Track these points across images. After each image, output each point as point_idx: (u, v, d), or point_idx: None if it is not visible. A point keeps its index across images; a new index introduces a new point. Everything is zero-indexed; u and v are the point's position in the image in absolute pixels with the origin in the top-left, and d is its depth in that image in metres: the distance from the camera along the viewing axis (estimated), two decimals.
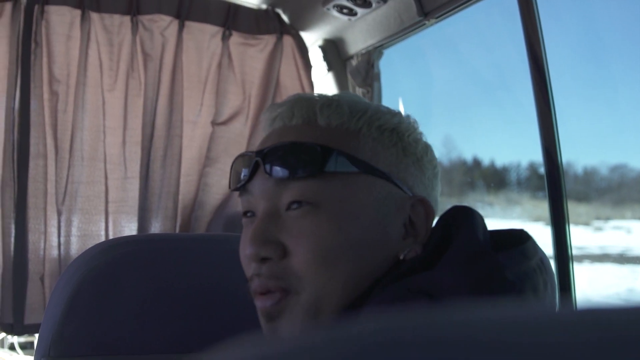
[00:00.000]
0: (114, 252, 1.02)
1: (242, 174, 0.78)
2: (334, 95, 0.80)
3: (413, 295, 0.66)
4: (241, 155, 0.80)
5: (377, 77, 2.43)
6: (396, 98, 2.67)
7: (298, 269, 0.71)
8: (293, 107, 0.78)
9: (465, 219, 0.75)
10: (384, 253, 0.74)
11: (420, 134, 0.81)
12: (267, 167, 0.74)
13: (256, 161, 0.75)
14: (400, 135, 0.78)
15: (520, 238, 0.77)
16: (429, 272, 0.68)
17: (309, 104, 0.77)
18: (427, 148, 0.81)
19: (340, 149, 0.73)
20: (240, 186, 0.78)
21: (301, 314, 0.72)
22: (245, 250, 0.74)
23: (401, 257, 0.74)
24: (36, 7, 2.17)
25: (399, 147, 0.77)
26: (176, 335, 1.03)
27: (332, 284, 0.72)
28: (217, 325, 1.08)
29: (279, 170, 0.73)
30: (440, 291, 0.65)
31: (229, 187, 0.82)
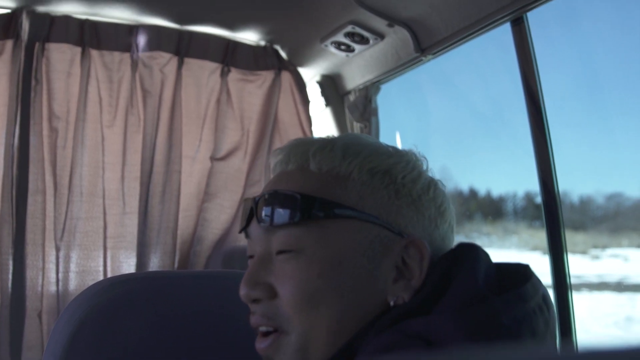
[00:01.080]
0: (114, 290, 1.02)
1: (243, 220, 0.82)
2: (333, 138, 0.82)
3: (410, 340, 0.66)
4: (245, 200, 0.83)
5: (375, 111, 2.45)
6: (394, 132, 2.69)
7: (285, 310, 0.74)
8: (290, 153, 0.81)
9: (466, 259, 0.75)
10: (373, 297, 0.75)
11: (420, 173, 0.80)
12: (257, 214, 0.78)
13: (251, 207, 0.79)
14: (393, 177, 0.78)
15: (523, 276, 0.76)
16: (425, 317, 0.68)
17: (304, 150, 0.80)
18: (430, 186, 0.81)
19: (323, 197, 0.75)
20: (242, 230, 0.82)
21: (291, 355, 0.75)
22: (239, 291, 0.78)
23: (391, 303, 0.74)
24: (37, 44, 2.19)
25: (390, 189, 0.77)
26: None
27: (317, 327, 0.73)
28: None
29: (264, 219, 0.77)
30: (436, 337, 0.65)
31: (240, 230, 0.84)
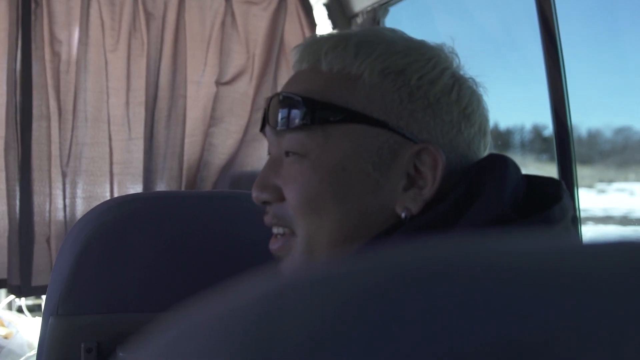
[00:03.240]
0: (121, 209, 1.02)
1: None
2: (348, 34, 0.77)
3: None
4: (266, 99, 0.81)
5: None
6: None
7: (291, 212, 0.74)
8: (303, 52, 0.78)
9: (494, 172, 0.71)
10: (379, 205, 0.72)
11: (442, 72, 0.74)
12: (268, 116, 0.77)
13: (264, 109, 0.78)
14: (407, 78, 0.73)
15: (554, 196, 0.71)
16: (444, 235, 0.63)
17: (317, 48, 0.76)
18: (453, 87, 0.74)
19: (329, 100, 0.73)
20: (260, 131, 0.82)
21: (298, 255, 0.75)
22: (252, 193, 0.79)
23: (402, 215, 0.72)
24: None
25: (403, 91, 0.72)
26: (184, 292, 1.02)
27: (319, 231, 0.73)
28: (225, 279, 1.07)
29: (273, 122, 0.76)
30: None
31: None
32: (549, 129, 1.74)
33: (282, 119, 0.74)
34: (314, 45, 0.77)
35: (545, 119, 1.72)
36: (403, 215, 0.72)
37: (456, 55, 0.78)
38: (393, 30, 0.79)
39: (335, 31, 2.45)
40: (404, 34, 0.79)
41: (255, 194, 0.77)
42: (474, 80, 0.78)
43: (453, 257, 0.23)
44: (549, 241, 0.25)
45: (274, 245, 0.78)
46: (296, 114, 0.73)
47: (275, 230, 0.78)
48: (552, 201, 0.70)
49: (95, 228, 0.99)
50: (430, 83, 0.73)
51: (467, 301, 0.20)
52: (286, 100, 0.75)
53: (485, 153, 0.78)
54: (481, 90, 0.78)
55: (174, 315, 0.26)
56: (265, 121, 0.79)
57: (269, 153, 0.81)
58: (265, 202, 0.77)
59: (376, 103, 0.72)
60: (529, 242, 0.25)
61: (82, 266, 0.97)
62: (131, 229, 1.01)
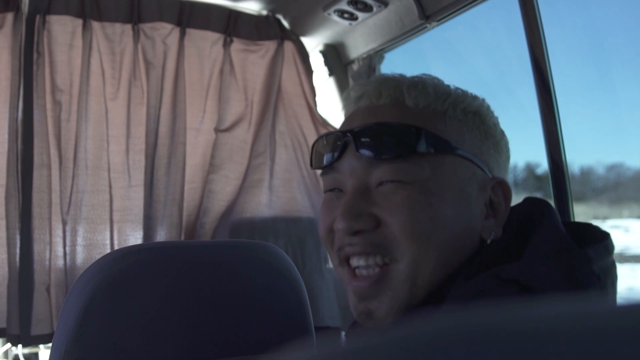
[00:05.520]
0: (126, 260, 1.03)
1: (331, 153, 0.80)
2: (416, 77, 0.82)
3: (505, 285, 0.67)
4: (326, 135, 0.81)
5: None
6: None
7: (395, 236, 0.74)
8: (380, 87, 0.80)
9: (544, 211, 0.77)
10: (470, 231, 0.77)
11: (497, 118, 0.84)
12: (358, 146, 0.76)
13: (346, 140, 0.78)
14: (482, 118, 0.80)
15: (601, 233, 0.78)
16: (519, 262, 0.70)
17: (396, 84, 0.79)
18: (503, 132, 0.84)
19: (429, 130, 0.75)
20: (328, 164, 0.80)
21: (399, 284, 0.74)
22: (337, 224, 0.77)
23: (488, 241, 0.77)
24: (38, 17, 2.17)
25: (481, 129, 0.80)
26: (190, 342, 1.03)
27: (427, 255, 0.74)
28: (230, 330, 1.08)
29: (370, 150, 0.75)
30: (533, 282, 0.66)
31: (311, 166, 0.84)
32: (541, 167, 1.76)
33: (383, 147, 0.75)
34: (391, 82, 0.80)
35: (537, 157, 1.74)
36: (490, 239, 0.77)
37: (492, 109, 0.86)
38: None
39: (332, 78, 2.49)
40: None
41: (348, 224, 0.75)
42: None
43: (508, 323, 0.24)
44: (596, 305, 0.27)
45: (365, 282, 0.76)
46: (401, 141, 0.74)
47: (366, 261, 0.76)
48: (603, 237, 0.77)
49: (102, 279, 1.00)
50: (494, 125, 0.82)
51: None
52: (388, 128, 0.75)
53: None
54: None
55: None
56: (341, 153, 0.78)
57: (333, 188, 0.80)
58: (357, 232, 0.76)
59: (464, 137, 0.78)
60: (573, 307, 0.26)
61: (88, 317, 0.98)
62: (137, 280, 1.02)
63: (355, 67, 2.48)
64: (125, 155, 2.31)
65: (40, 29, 2.18)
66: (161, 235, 2.31)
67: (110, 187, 2.28)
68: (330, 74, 2.58)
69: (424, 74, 0.84)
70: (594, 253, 0.71)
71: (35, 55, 2.17)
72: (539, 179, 2.54)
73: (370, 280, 0.76)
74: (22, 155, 2.14)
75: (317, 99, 2.59)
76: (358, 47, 2.45)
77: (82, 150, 2.23)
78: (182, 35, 2.38)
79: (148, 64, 2.34)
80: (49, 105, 2.20)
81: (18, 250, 2.12)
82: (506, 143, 0.84)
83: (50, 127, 2.20)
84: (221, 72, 2.46)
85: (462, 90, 0.83)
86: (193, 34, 2.41)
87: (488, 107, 0.83)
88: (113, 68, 2.30)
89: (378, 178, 0.76)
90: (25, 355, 2.45)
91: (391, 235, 0.74)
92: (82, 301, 0.99)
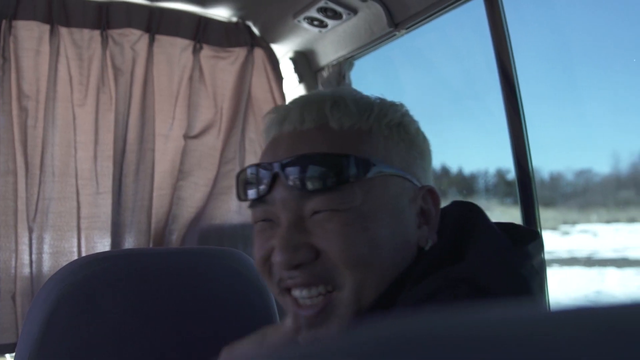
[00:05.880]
0: (91, 267, 1.02)
1: (259, 186, 0.78)
2: (337, 92, 0.81)
3: (454, 284, 0.68)
4: (253, 166, 0.79)
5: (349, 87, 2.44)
6: None
7: (335, 265, 0.74)
8: (303, 110, 0.78)
9: (476, 213, 0.80)
10: (407, 244, 0.77)
11: (417, 122, 0.84)
12: (288, 179, 0.75)
13: (275, 172, 0.76)
14: (405, 128, 0.80)
15: (532, 232, 0.81)
16: (466, 262, 0.72)
17: (318, 106, 0.78)
18: (424, 136, 0.84)
19: (358, 155, 0.75)
20: (257, 198, 0.78)
21: (344, 310, 0.74)
22: (275, 257, 0.76)
23: (426, 248, 0.78)
24: (4, 22, 2.14)
25: (406, 141, 0.80)
26: (155, 349, 1.02)
27: (369, 279, 0.74)
28: (196, 337, 1.07)
29: (301, 183, 0.74)
30: (481, 280, 0.68)
31: (238, 198, 0.83)
32: (512, 173, 1.78)
33: (312, 179, 0.73)
34: (314, 104, 0.78)
35: (508, 164, 1.76)
36: (428, 246, 0.78)
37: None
38: (355, 90, 0.85)
39: (302, 85, 2.50)
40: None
41: (287, 257, 0.74)
42: None
43: (442, 329, 0.24)
44: (525, 309, 0.27)
45: (310, 310, 0.75)
46: (329, 171, 0.73)
47: (309, 292, 0.75)
48: (533, 237, 0.79)
49: (66, 287, 0.99)
50: (416, 132, 0.82)
51: None
52: (315, 159, 0.74)
53: None
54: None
55: None
56: (270, 186, 0.76)
57: (265, 219, 0.79)
58: (298, 266, 0.75)
59: (392, 153, 0.78)
60: (506, 311, 0.26)
61: (52, 326, 0.97)
62: (101, 287, 1.01)
63: (325, 74, 2.49)
64: (93, 162, 2.29)
65: (7, 34, 2.15)
66: (129, 243, 2.29)
67: (77, 194, 2.25)
68: (301, 81, 2.59)
69: (345, 88, 0.85)
70: (533, 249, 0.74)
71: (1, 61, 2.14)
72: (509, 184, 2.57)
73: (315, 309, 0.75)
74: None
75: None
76: (328, 54, 2.46)
77: (49, 156, 2.20)
78: (152, 41, 2.37)
79: (116, 70, 2.32)
80: (15, 112, 2.16)
81: None
82: (428, 147, 0.85)
83: (17, 133, 2.16)
84: (190, 78, 2.45)
85: (382, 101, 0.82)
86: (162, 40, 2.40)
87: (408, 113, 0.83)
88: (81, 74, 2.28)
89: (311, 208, 0.75)
90: None
91: (331, 264, 0.74)
92: (46, 309, 0.97)
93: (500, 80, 1.79)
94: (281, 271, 0.76)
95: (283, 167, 0.75)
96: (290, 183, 0.75)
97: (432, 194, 0.80)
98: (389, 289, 0.75)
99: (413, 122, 0.83)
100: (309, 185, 0.74)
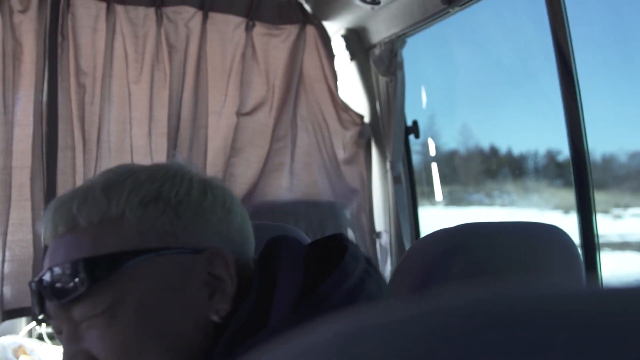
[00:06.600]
0: None
1: (35, 304, 0.75)
2: (91, 183, 0.76)
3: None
4: (29, 282, 0.76)
5: (401, 65, 2.42)
6: (419, 86, 2.67)
7: None
8: (55, 218, 0.75)
9: (280, 255, 0.73)
10: (194, 322, 0.71)
11: (190, 182, 0.77)
12: (46, 294, 0.72)
13: (37, 291, 0.73)
14: (166, 200, 0.74)
15: (342, 248, 0.75)
16: (266, 329, 0.66)
17: (66, 208, 0.74)
18: (206, 191, 0.77)
19: (104, 252, 0.71)
20: (40, 313, 0.75)
21: None
22: None
23: (215, 319, 0.71)
24: (62, 0, 2.19)
25: (168, 212, 0.73)
26: None
27: None
28: None
29: (52, 300, 0.71)
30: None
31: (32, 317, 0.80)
32: (563, 154, 1.75)
33: (61, 291, 0.70)
34: (63, 207, 0.74)
35: (559, 144, 1.73)
36: (215, 318, 0.71)
37: (191, 163, 0.82)
38: (131, 165, 0.79)
39: (354, 63, 2.49)
40: (139, 165, 0.80)
41: None
42: (216, 178, 0.81)
43: (512, 303, 0.25)
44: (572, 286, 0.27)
45: None
46: (75, 280, 0.70)
47: None
48: (342, 253, 0.73)
49: None
50: (186, 195, 0.75)
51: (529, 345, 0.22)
52: (59, 272, 0.71)
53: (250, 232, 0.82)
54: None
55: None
56: (42, 304, 0.73)
57: (60, 332, 0.74)
58: None
59: (149, 234, 0.72)
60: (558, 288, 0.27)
61: None
62: None
63: (377, 51, 2.48)
64: (148, 138, 2.33)
65: (65, 13, 2.20)
66: None
67: None
68: (352, 59, 2.58)
69: (109, 169, 0.79)
70: (330, 287, 0.67)
71: (59, 39, 2.19)
72: (559, 166, 2.52)
73: None
74: (46, 137, 2.17)
75: (338, 83, 2.59)
76: (380, 31, 2.45)
77: (106, 132, 2.25)
78: (205, 18, 2.39)
79: (171, 48, 2.35)
80: (73, 88, 2.22)
81: None
82: (215, 199, 0.77)
83: (75, 109, 2.22)
84: (243, 56, 2.47)
85: (142, 174, 0.76)
86: (215, 17, 2.42)
87: (174, 179, 0.76)
88: (136, 51, 2.32)
89: (77, 319, 0.71)
90: (48, 335, 2.49)
91: None
92: None
93: (556, 59, 1.76)
94: None
95: (38, 284, 0.73)
96: (48, 297, 0.72)
97: (219, 255, 0.73)
98: None
99: (179, 185, 0.76)
100: (57, 301, 0.71)
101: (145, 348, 0.69)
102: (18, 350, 2.27)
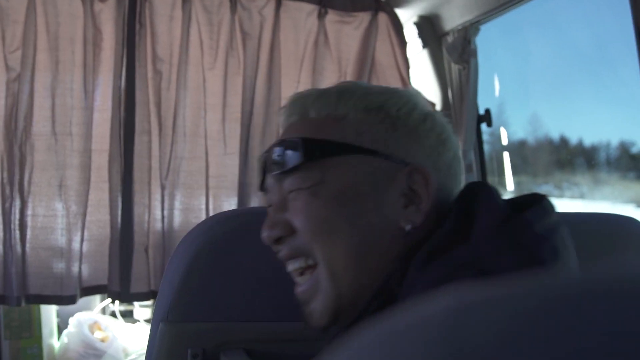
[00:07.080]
0: (229, 223, 1.07)
1: (260, 176, 0.89)
2: (330, 87, 0.88)
3: (458, 269, 0.69)
4: (259, 157, 0.90)
5: (474, 53, 2.39)
6: (492, 74, 2.63)
7: (304, 240, 0.80)
8: (290, 106, 0.87)
9: (482, 192, 0.79)
10: (383, 222, 0.78)
11: (414, 105, 0.84)
12: (268, 166, 0.85)
13: (262, 162, 0.87)
14: (387, 111, 0.82)
15: (537, 196, 0.80)
16: (467, 245, 0.72)
17: (303, 101, 0.86)
18: (426, 118, 0.84)
19: (323, 137, 0.81)
20: (260, 186, 0.89)
21: (326, 286, 0.79)
22: (262, 234, 0.85)
23: (406, 229, 0.78)
24: None
25: (387, 122, 0.82)
26: (287, 304, 1.06)
27: (335, 253, 0.78)
28: None
29: (273, 168, 0.83)
30: (484, 261, 0.69)
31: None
32: (637, 146, 1.70)
33: (281, 163, 0.82)
34: (300, 99, 0.86)
35: (633, 136, 1.68)
36: (408, 227, 0.78)
37: (419, 93, 0.90)
38: (365, 82, 0.89)
39: (426, 50, 2.47)
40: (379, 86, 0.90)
41: (267, 233, 0.83)
42: (440, 114, 0.88)
43: (605, 280, 0.25)
44: None
45: (300, 288, 0.83)
46: (295, 155, 0.81)
47: (292, 266, 0.83)
48: (539, 199, 0.78)
49: (205, 241, 1.04)
50: (407, 114, 0.83)
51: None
52: (285, 144, 0.83)
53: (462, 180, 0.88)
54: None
55: (360, 330, 0.29)
56: (263, 174, 0.87)
57: (268, 204, 0.87)
58: (277, 240, 0.83)
59: (365, 135, 0.81)
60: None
61: (191, 276, 1.03)
62: (238, 242, 1.06)
63: (449, 39, 2.45)
64: (222, 124, 2.37)
65: (143, 1, 2.26)
66: (255, 202, 2.37)
67: (206, 154, 2.35)
68: (424, 46, 2.56)
69: (347, 82, 0.89)
70: (532, 215, 0.73)
71: (137, 26, 2.25)
72: (633, 158, 2.45)
73: (303, 286, 0.83)
74: (124, 122, 2.24)
75: (410, 71, 2.58)
76: (453, 18, 2.42)
77: (181, 117, 2.30)
78: (278, 6, 2.42)
79: (245, 35, 2.38)
80: (150, 75, 2.28)
81: (120, 212, 2.23)
82: (432, 127, 0.84)
83: (151, 95, 2.28)
84: (316, 43, 2.48)
85: (377, 88, 0.87)
86: (288, 5, 2.44)
87: (400, 98, 0.84)
88: (211, 39, 2.36)
89: (287, 189, 0.83)
90: (121, 312, 2.58)
91: (303, 238, 0.80)
92: (186, 260, 1.03)
93: (637, 47, 1.71)
94: (273, 246, 0.85)
95: (264, 157, 0.86)
96: (268, 169, 0.85)
97: (421, 173, 0.80)
98: (367, 272, 0.78)
99: (404, 105, 0.84)
100: (276, 168, 0.83)
101: (336, 230, 0.78)
102: (93, 326, 2.36)
